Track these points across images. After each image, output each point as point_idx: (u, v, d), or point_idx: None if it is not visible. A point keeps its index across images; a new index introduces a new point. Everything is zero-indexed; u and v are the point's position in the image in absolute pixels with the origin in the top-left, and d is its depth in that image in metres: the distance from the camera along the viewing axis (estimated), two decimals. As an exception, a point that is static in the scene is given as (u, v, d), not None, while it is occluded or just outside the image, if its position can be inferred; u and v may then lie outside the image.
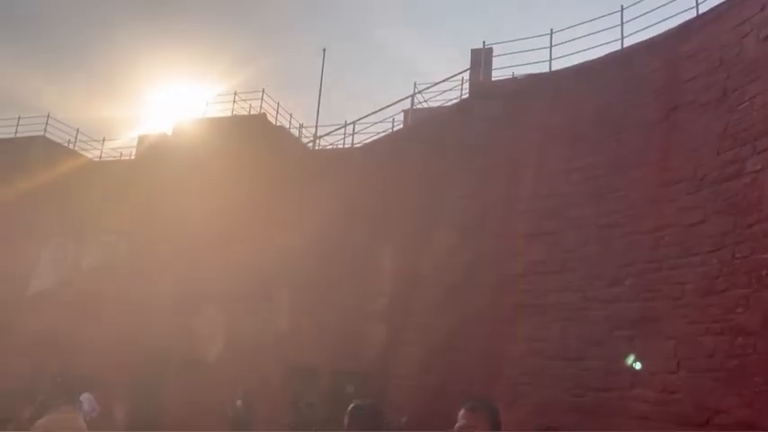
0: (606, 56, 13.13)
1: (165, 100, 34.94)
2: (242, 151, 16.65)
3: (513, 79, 15.26)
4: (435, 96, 17.91)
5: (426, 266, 13.62)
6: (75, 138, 21.45)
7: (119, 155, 21.48)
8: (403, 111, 18.42)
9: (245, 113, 18.73)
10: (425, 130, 15.55)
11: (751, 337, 8.22)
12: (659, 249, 10.20)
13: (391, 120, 18.34)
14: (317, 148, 19.32)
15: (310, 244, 14.71)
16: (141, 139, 20.28)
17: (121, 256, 16.70)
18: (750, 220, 8.75)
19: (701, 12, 11.57)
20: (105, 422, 13.84)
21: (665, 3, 12.76)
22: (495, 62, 15.80)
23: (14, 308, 17.09)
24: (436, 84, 17.57)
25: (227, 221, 15.71)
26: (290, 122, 20.12)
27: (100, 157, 21.19)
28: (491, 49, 15.96)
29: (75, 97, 46.83)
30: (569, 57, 14.60)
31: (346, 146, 18.51)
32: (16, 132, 20.95)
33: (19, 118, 21.11)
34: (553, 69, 14.24)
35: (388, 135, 17.08)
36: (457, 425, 2.65)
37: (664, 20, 12.66)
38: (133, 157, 20.40)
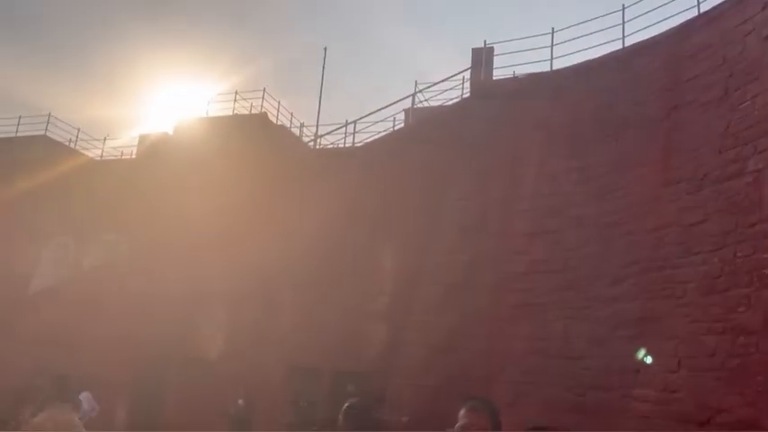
0: (607, 55, 13.12)
1: (165, 99, 35.01)
2: (243, 150, 16.66)
3: (514, 78, 15.25)
4: (436, 95, 17.93)
5: (427, 265, 13.62)
6: (77, 137, 21.48)
7: (120, 154, 21.50)
8: (404, 110, 18.42)
9: (246, 113, 18.72)
10: (426, 130, 15.54)
11: (753, 337, 8.20)
12: (661, 248, 10.19)
13: (392, 119, 18.36)
14: (317, 147, 19.31)
15: (311, 243, 14.71)
16: (142, 139, 20.28)
17: (122, 256, 16.70)
18: (752, 219, 8.74)
19: (702, 11, 11.55)
20: (106, 421, 13.86)
21: (666, 2, 12.75)
22: (496, 61, 15.80)
23: (15, 307, 17.10)
24: (437, 83, 17.59)
25: (227, 221, 15.72)
26: (290, 122, 20.14)
27: (101, 157, 21.19)
28: (492, 48, 15.96)
29: (77, 97, 46.89)
30: (570, 56, 14.61)
31: (347, 145, 18.50)
32: (17, 131, 20.96)
33: (20, 117, 21.15)
34: (554, 68, 14.24)
35: (388, 134, 17.07)
36: (458, 424, 2.64)
37: (665, 19, 12.66)
38: (134, 157, 20.40)
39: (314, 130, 19.88)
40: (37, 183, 18.35)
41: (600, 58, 13.20)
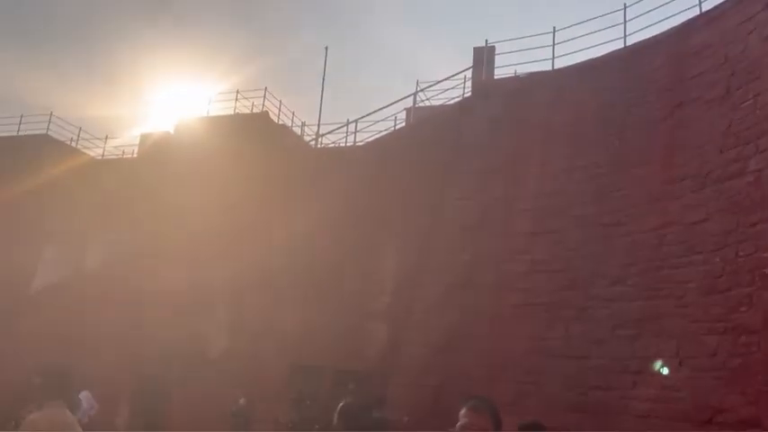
0: (609, 54, 13.11)
1: (166, 99, 34.97)
2: (244, 149, 16.65)
3: (516, 77, 15.24)
4: (438, 95, 17.93)
5: (428, 265, 13.61)
6: (78, 136, 21.48)
7: (121, 153, 21.51)
8: (405, 109, 18.40)
9: (248, 112, 18.72)
10: (428, 129, 15.53)
11: (754, 336, 8.20)
12: (662, 248, 10.18)
13: (393, 118, 18.32)
14: (319, 146, 19.31)
15: (312, 242, 14.72)
16: (143, 138, 20.29)
17: (124, 254, 16.70)
18: (753, 218, 8.73)
19: (704, 9, 11.54)
20: (108, 419, 13.89)
21: (667, 1, 12.74)
22: (498, 60, 15.77)
23: (17, 306, 17.12)
24: (438, 82, 17.57)
25: (229, 220, 15.72)
26: (292, 121, 20.14)
27: (102, 156, 21.20)
28: (493, 47, 15.93)
29: (78, 96, 46.91)
30: (572, 55, 14.58)
31: (349, 144, 18.50)
32: (19, 130, 20.98)
33: (22, 116, 21.16)
34: (556, 67, 14.22)
35: (390, 133, 17.06)
36: (458, 424, 2.63)
37: (667, 18, 12.65)
38: (135, 156, 20.41)
39: (315, 129, 19.90)
40: (38, 182, 18.37)
41: (601, 57, 13.19)
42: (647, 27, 13.15)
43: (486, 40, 16.06)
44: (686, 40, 11.26)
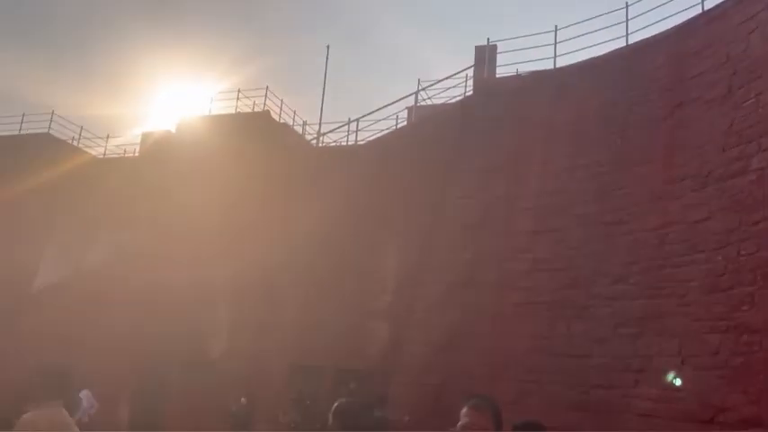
0: (611, 52, 13.09)
1: (167, 98, 34.81)
2: (245, 148, 16.65)
3: (518, 76, 15.22)
4: (439, 93, 17.88)
5: (430, 263, 13.60)
6: (80, 135, 21.49)
7: (123, 152, 21.52)
8: (407, 108, 18.37)
9: (249, 111, 18.72)
10: (429, 128, 15.52)
11: (756, 335, 8.18)
12: (664, 246, 10.17)
13: (395, 117, 18.30)
14: (320, 145, 19.30)
15: (314, 241, 14.71)
16: (145, 137, 20.28)
17: (126, 253, 16.70)
18: (755, 217, 8.71)
19: (706, 8, 11.52)
20: (109, 418, 13.90)
21: (669, -1, 12.71)
22: (500, 59, 15.75)
23: (19, 305, 17.14)
24: (440, 81, 17.54)
25: (230, 218, 15.72)
26: (293, 120, 20.13)
27: (104, 155, 21.21)
28: (495, 46, 15.91)
29: (79, 95, 46.95)
30: (574, 53, 14.60)
31: (350, 143, 18.48)
32: (20, 129, 21.00)
33: (23, 115, 21.19)
34: (557, 66, 14.21)
35: (391, 132, 17.05)
36: (460, 423, 2.62)
37: (669, 16, 12.64)
38: (137, 155, 20.41)
39: (317, 128, 19.89)
40: (40, 180, 18.38)
41: (603, 55, 13.17)
42: (648, 26, 13.15)
43: (488, 39, 16.08)
44: (688, 38, 11.24)
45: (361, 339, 13.64)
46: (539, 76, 14.20)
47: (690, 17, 11.70)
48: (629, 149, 11.52)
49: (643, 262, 10.45)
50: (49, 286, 17.18)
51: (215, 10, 54.40)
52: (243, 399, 13.54)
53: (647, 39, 12.42)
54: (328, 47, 21.33)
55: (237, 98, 18.84)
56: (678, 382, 9.22)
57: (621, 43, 13.20)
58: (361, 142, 17.79)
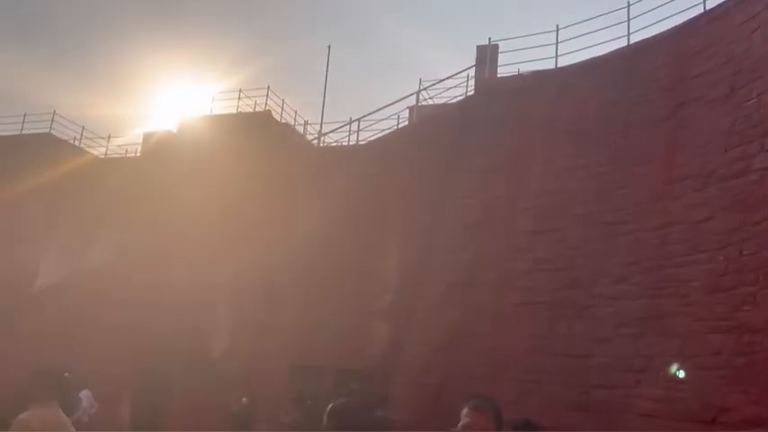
0: (612, 52, 13.07)
1: (169, 97, 34.81)
2: (247, 148, 16.64)
3: (519, 76, 15.20)
4: (440, 93, 17.85)
5: (430, 263, 13.59)
6: (81, 135, 21.49)
7: (124, 152, 21.53)
8: (408, 108, 18.35)
9: (250, 110, 18.72)
10: (430, 127, 15.50)
11: (758, 335, 8.17)
12: (665, 247, 10.15)
13: (396, 117, 18.28)
14: (321, 145, 19.29)
15: (314, 241, 14.70)
16: (146, 137, 20.28)
17: (127, 253, 16.71)
18: (757, 217, 8.70)
19: (707, 8, 11.50)
20: (110, 418, 13.90)
21: (671, -1, 12.69)
22: (501, 59, 15.73)
23: (20, 305, 17.15)
24: (441, 80, 17.50)
25: (231, 218, 15.72)
26: (294, 119, 20.13)
27: (105, 154, 21.23)
28: (496, 45, 15.90)
29: (81, 95, 46.93)
30: (575, 53, 14.55)
31: (351, 143, 18.47)
32: (22, 129, 21.02)
33: (25, 115, 21.20)
34: (559, 66, 14.19)
35: (392, 132, 17.03)
36: (460, 423, 2.61)
37: (670, 16, 12.61)
38: (138, 154, 20.42)
39: (318, 127, 19.88)
40: (41, 180, 18.39)
41: (605, 55, 13.15)
42: (650, 25, 13.07)
43: (489, 39, 16.04)
44: (689, 38, 11.22)
45: (362, 339, 13.63)
46: (540, 76, 14.18)
47: (691, 17, 11.69)
48: (631, 149, 11.50)
49: (644, 262, 10.44)
50: (50, 286, 17.19)
51: (215, 10, 54.39)
52: (244, 399, 13.54)
53: (649, 38, 12.40)
54: (329, 47, 21.33)
55: (239, 98, 18.86)
56: (681, 374, 9.20)
57: (623, 43, 13.19)
58: (363, 142, 17.78)
